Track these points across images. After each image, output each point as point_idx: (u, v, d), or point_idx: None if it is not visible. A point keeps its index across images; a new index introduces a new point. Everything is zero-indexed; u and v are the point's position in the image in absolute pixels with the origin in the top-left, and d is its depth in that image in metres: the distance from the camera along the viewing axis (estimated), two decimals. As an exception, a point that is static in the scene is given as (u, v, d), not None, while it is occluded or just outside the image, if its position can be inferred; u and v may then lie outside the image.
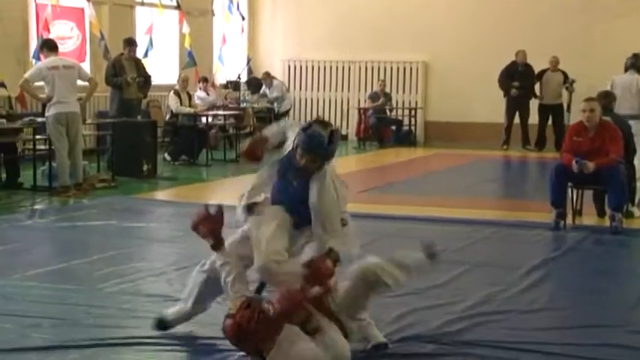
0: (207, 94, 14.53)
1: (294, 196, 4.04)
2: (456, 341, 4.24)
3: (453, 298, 5.07)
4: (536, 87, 15.38)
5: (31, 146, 9.93)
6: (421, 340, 4.24)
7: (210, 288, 4.12)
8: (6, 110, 10.06)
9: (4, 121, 9.17)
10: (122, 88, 11.36)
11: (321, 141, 3.92)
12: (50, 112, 9.15)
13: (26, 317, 4.53)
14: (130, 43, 11.67)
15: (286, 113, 16.14)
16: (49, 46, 9.51)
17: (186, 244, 6.76)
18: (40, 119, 9.53)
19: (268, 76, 16.09)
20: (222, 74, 16.86)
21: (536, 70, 15.30)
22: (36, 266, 5.74)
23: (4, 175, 9.65)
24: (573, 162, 7.24)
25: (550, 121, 15.18)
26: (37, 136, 9.81)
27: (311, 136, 3.92)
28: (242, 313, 3.48)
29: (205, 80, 14.84)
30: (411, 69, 17.38)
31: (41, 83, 9.28)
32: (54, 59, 9.37)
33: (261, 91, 16.05)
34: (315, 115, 17.94)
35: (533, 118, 15.34)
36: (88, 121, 10.95)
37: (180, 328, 4.30)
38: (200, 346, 4.14)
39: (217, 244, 3.96)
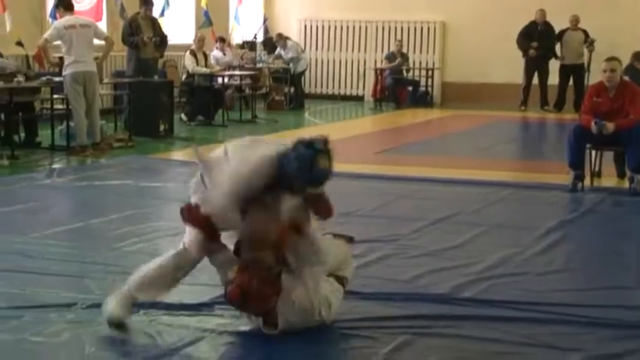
0: (224, 54, 14.47)
1: None
2: (471, 302, 4.24)
3: (469, 259, 5.07)
4: (557, 47, 15.20)
5: (49, 105, 9.95)
6: (436, 301, 4.25)
7: None
8: (24, 70, 10.08)
9: (21, 79, 9.17)
10: (139, 47, 11.32)
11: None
12: (67, 71, 9.15)
13: (45, 275, 4.58)
14: (147, 2, 11.60)
15: (302, 74, 16.06)
16: (65, 5, 9.47)
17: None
18: (57, 79, 9.53)
19: (281, 38, 15.96)
20: (239, 34, 16.76)
21: (557, 29, 15.10)
22: (54, 225, 5.78)
23: (22, 135, 9.69)
24: (592, 123, 7.17)
25: (571, 82, 15.03)
26: (55, 96, 9.83)
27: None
28: (241, 276, 3.48)
29: (222, 40, 14.77)
30: (428, 29, 17.21)
31: (59, 42, 9.27)
32: (70, 18, 9.35)
33: (276, 53, 15.95)
34: (331, 76, 17.88)
35: (552, 79, 15.19)
36: (105, 80, 10.95)
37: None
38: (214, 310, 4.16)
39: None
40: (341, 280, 3.87)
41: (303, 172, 3.44)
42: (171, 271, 3.75)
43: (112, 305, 3.70)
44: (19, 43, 10.97)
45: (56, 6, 9.46)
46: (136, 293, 3.74)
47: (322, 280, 3.71)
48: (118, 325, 3.68)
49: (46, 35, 9.35)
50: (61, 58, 9.37)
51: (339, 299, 3.83)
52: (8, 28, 11.00)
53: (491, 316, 4.05)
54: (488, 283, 4.60)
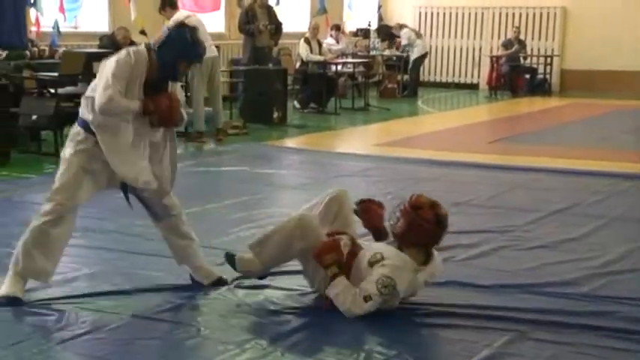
0: (337, 42, 14.53)
1: None
2: (588, 297, 4.11)
3: (588, 253, 4.90)
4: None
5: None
6: (552, 295, 4.13)
7: None
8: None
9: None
10: (254, 35, 11.50)
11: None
12: None
13: (162, 257, 4.72)
14: (264, -10, 11.76)
15: (420, 60, 15.88)
16: (171, 3, 9.70)
17: (315, 190, 6.83)
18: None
19: (400, 27, 15.95)
20: (353, 22, 16.77)
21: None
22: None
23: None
24: None
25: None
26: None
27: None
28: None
29: (337, 28, 14.83)
30: (548, 15, 16.73)
31: None
32: (179, 14, 9.58)
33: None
34: (445, 63, 17.64)
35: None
36: (222, 68, 11.17)
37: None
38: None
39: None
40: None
41: (188, 47, 3.92)
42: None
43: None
44: (143, 32, 11.34)
45: (162, 6, 9.65)
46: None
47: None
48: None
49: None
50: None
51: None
52: (133, 18, 11.39)
53: (609, 312, 3.90)
54: (607, 278, 4.44)
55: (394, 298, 3.77)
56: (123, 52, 3.97)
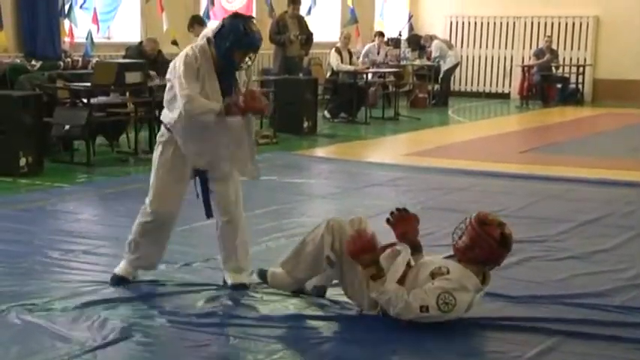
0: (379, 50, 14.62)
1: None
2: (620, 309, 4.06)
3: (619, 264, 4.85)
4: None
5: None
6: (583, 306, 4.09)
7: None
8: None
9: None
10: (285, 45, 11.55)
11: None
12: None
13: (194, 263, 4.76)
14: (295, 1, 11.82)
15: (452, 70, 15.86)
16: (198, 21, 9.82)
17: (345, 200, 6.87)
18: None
19: (431, 39, 15.96)
20: (384, 31, 16.79)
21: None
22: (202, 218, 5.95)
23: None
24: None
25: None
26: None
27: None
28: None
29: (382, 34, 14.89)
30: (580, 24, 16.60)
31: None
32: (209, 29, 9.66)
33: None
34: (476, 73, 17.57)
35: None
36: (253, 78, 11.24)
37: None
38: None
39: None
40: None
41: (241, 36, 3.95)
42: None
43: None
44: (175, 43, 11.45)
45: (191, 24, 9.76)
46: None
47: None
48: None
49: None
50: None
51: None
52: (165, 28, 11.51)
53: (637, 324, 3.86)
54: (638, 290, 4.39)
55: (449, 315, 3.67)
56: (186, 51, 4.08)
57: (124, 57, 9.86)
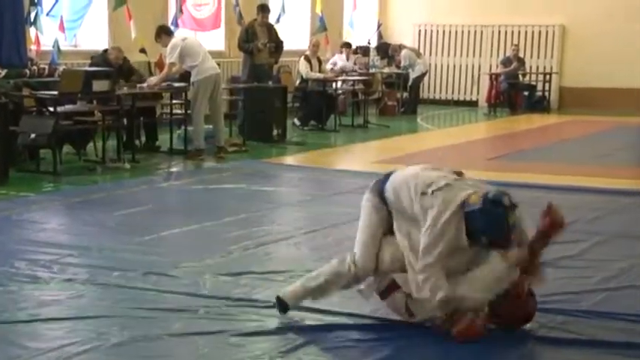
0: (347, 59, 14.69)
1: None
2: (588, 313, 4.10)
3: (586, 270, 4.90)
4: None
5: (168, 110, 10.29)
6: (551, 311, 4.12)
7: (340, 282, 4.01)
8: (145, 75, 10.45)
9: (144, 85, 9.51)
10: (253, 53, 11.54)
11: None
12: (201, 75, 9.35)
13: (161, 275, 4.72)
14: (263, 9, 11.81)
15: (420, 78, 15.96)
16: (166, 31, 9.76)
17: (314, 208, 6.87)
18: (177, 84, 9.83)
19: (400, 48, 16.08)
20: (353, 39, 16.86)
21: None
22: (171, 227, 5.96)
23: (143, 139, 10.05)
24: None
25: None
26: (174, 101, 10.16)
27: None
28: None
29: (349, 46, 14.94)
30: (546, 33, 16.80)
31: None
32: (177, 38, 9.63)
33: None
34: (445, 81, 17.69)
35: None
36: (222, 86, 11.21)
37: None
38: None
39: None
40: None
41: (497, 229, 3.62)
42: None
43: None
44: (143, 51, 11.40)
45: (158, 34, 9.66)
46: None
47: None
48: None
49: (170, 60, 9.35)
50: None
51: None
52: (133, 36, 11.44)
53: (608, 328, 3.90)
54: (605, 294, 4.44)
55: None
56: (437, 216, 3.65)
57: (90, 65, 9.77)
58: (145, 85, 9.51)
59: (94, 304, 4.20)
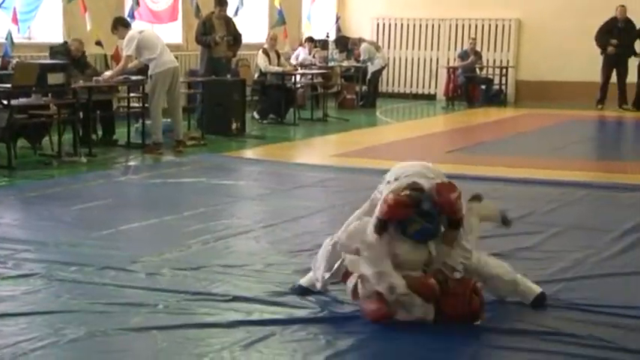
0: (310, 54, 14.68)
1: None
2: (544, 304, 4.16)
3: (543, 261, 4.97)
4: (637, 45, 14.79)
5: (126, 104, 10.18)
6: (507, 303, 4.17)
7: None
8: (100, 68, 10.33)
9: (100, 79, 9.39)
10: (211, 46, 11.47)
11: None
12: (159, 69, 9.27)
13: (119, 270, 4.68)
14: (221, 2, 11.74)
15: (379, 72, 16.02)
16: (123, 23, 9.65)
17: (274, 201, 6.86)
18: (133, 77, 9.73)
19: (359, 41, 16.13)
20: (311, 33, 16.85)
21: (638, 26, 14.69)
22: (129, 221, 5.91)
23: (100, 132, 9.93)
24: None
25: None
26: (132, 94, 10.05)
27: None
28: None
29: (311, 40, 14.94)
30: (503, 26, 16.98)
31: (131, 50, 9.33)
32: (134, 30, 9.54)
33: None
34: (403, 74, 17.78)
35: (631, 77, 14.79)
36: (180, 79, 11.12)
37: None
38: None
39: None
40: None
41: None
42: None
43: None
44: (99, 43, 11.25)
45: (115, 26, 9.55)
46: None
47: None
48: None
49: (127, 53, 9.30)
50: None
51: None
52: (88, 29, 11.29)
53: (564, 318, 3.96)
54: (561, 285, 4.50)
55: None
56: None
57: (50, 57, 9.63)
58: (100, 78, 9.40)
59: (51, 300, 4.14)
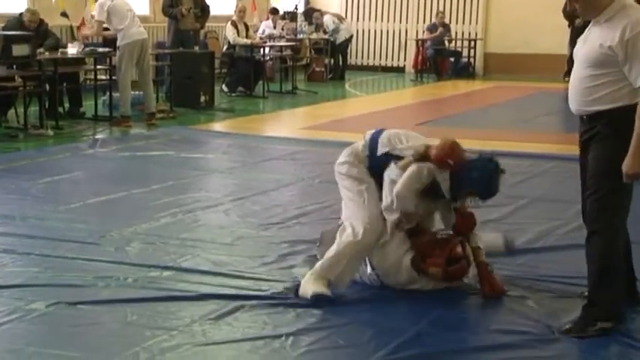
0: (274, 27, 14.53)
1: None
2: (510, 276, 4.21)
3: (510, 233, 5.00)
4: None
5: (92, 76, 10.05)
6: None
7: None
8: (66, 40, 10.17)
9: (67, 50, 9.25)
10: (177, 19, 11.35)
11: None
12: (127, 40, 9.15)
13: (87, 244, 4.65)
14: (189, -27, 11.60)
15: (346, 44, 15.96)
16: None
17: (243, 174, 6.85)
18: (100, 49, 9.60)
19: (321, 14, 16.01)
20: (280, 5, 16.73)
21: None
22: (97, 195, 5.86)
23: (66, 105, 9.80)
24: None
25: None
26: (98, 67, 9.92)
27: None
28: None
29: (275, 12, 14.79)
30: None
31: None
32: None
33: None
34: (372, 47, 17.74)
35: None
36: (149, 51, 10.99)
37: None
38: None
39: None
40: None
41: (482, 181, 3.88)
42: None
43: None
44: (64, 14, 11.07)
45: None
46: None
47: None
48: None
49: (97, 18, 9.26)
50: (106, 29, 9.42)
51: None
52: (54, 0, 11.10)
53: (535, 289, 4.02)
54: (528, 256, 4.57)
55: None
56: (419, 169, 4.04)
57: (4, 29, 9.42)
58: (71, 45, 9.35)
59: (19, 274, 4.11)
